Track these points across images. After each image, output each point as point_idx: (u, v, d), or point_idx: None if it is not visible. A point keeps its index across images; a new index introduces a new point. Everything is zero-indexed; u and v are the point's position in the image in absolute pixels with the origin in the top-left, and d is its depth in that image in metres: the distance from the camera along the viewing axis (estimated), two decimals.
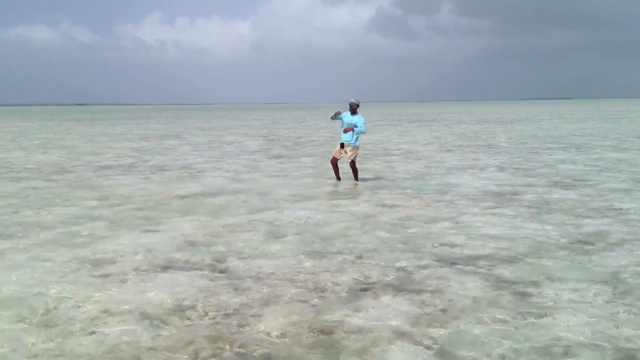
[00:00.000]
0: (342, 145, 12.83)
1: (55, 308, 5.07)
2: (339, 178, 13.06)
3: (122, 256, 6.76)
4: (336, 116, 12.80)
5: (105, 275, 6.01)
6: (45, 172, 15.26)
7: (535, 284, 5.64)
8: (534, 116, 57.69)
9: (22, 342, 4.35)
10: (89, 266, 6.35)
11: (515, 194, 10.97)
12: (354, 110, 12.56)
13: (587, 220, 8.49)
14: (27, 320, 4.80)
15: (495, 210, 9.31)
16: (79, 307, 5.10)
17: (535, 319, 4.74)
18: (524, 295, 5.32)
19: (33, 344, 4.32)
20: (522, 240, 7.38)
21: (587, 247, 6.99)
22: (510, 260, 6.45)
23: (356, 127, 12.40)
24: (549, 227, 8.07)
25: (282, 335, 4.44)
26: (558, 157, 17.79)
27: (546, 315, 4.80)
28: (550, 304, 5.09)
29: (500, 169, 15.01)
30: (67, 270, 6.20)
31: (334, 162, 13.08)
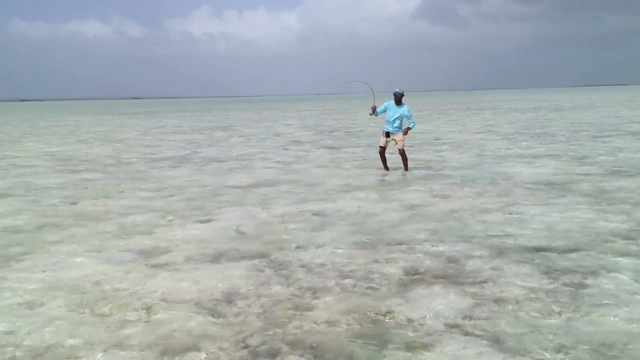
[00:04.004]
0: (387, 135, 12.71)
1: (111, 297, 5.20)
2: (387, 168, 12.97)
3: (176, 246, 6.89)
4: (375, 112, 12.72)
5: (159, 265, 6.13)
6: (102, 164, 15.69)
7: (593, 274, 5.47)
8: (591, 103, 55.96)
9: (79, 330, 4.47)
10: (143, 256, 6.49)
11: (571, 182, 10.66)
12: (398, 99, 12.44)
13: None
14: (84, 308, 4.94)
15: (551, 200, 9.06)
16: (133, 295, 5.22)
17: (593, 310, 4.60)
18: (580, 286, 5.17)
19: (89, 332, 4.43)
20: (578, 230, 7.17)
21: None
22: (567, 251, 6.27)
23: (408, 119, 12.39)
24: (607, 217, 7.81)
25: (332, 325, 4.43)
26: (617, 144, 17.19)
27: (603, 307, 4.65)
28: (608, 295, 4.92)
29: (556, 157, 14.61)
30: (122, 259, 6.36)
31: (381, 152, 13.00)
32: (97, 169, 14.78)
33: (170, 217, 8.52)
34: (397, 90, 12.44)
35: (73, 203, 9.90)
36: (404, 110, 12.48)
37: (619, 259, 5.95)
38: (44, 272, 5.97)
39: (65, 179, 12.90)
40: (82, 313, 4.83)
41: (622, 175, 11.38)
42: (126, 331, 4.43)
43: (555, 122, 28.91)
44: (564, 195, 9.39)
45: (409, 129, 12.60)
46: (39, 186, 11.93)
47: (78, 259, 6.39)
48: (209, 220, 8.27)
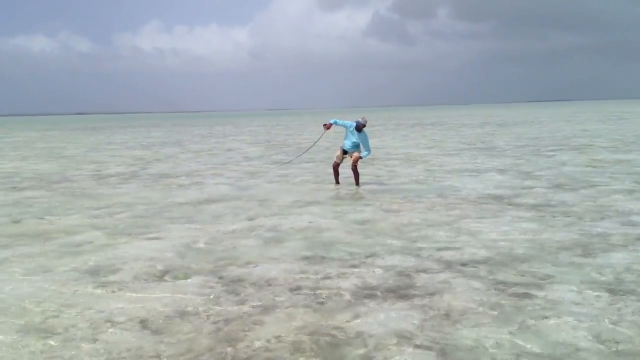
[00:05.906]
0: (344, 152, 12.92)
1: (57, 317, 5.06)
2: (338, 182, 13.12)
3: (123, 264, 6.76)
4: (331, 124, 12.94)
5: (107, 283, 6.00)
6: (48, 182, 15.28)
7: (537, 286, 5.62)
8: (536, 119, 57.63)
9: (22, 352, 4.34)
10: (90, 275, 6.35)
11: (517, 196, 10.95)
12: (359, 128, 12.64)
13: (589, 222, 8.47)
14: (29, 329, 4.79)
15: (497, 213, 9.29)
16: (80, 315, 5.09)
17: (537, 321, 4.72)
18: (525, 297, 5.30)
19: (33, 353, 4.31)
20: (523, 242, 7.36)
21: (589, 249, 6.97)
22: (512, 263, 6.44)
23: (364, 146, 12.59)
24: (552, 229, 8.05)
25: (284, 342, 4.42)
26: (560, 159, 17.76)
27: (548, 318, 4.78)
28: (552, 306, 5.07)
29: (502, 171, 14.99)
30: (68, 278, 6.20)
31: (335, 167, 13.15)
32: (42, 186, 14.39)
33: (117, 235, 8.36)
34: (360, 120, 12.68)
35: (16, 222, 9.60)
36: (362, 138, 12.71)
37: (563, 270, 6.13)
38: None
39: (9, 197, 12.51)
40: (27, 334, 4.69)
41: (565, 188, 11.76)
42: (73, 352, 4.32)
43: (502, 137, 29.66)
44: (510, 209, 9.64)
45: (360, 157, 12.75)
46: None
47: (22, 279, 6.21)
48: (157, 238, 8.15)
